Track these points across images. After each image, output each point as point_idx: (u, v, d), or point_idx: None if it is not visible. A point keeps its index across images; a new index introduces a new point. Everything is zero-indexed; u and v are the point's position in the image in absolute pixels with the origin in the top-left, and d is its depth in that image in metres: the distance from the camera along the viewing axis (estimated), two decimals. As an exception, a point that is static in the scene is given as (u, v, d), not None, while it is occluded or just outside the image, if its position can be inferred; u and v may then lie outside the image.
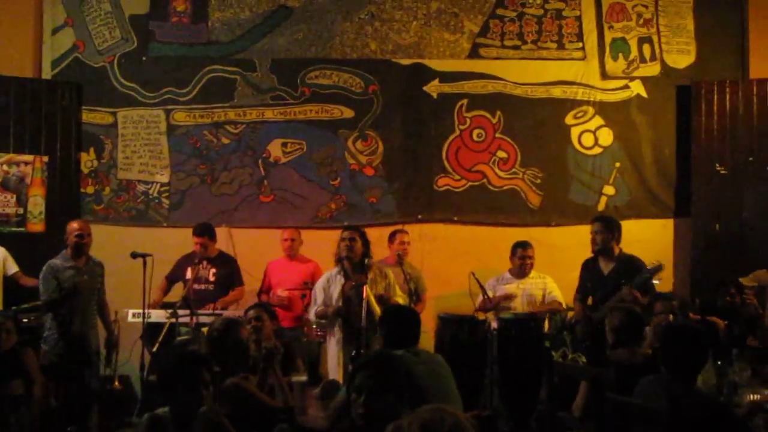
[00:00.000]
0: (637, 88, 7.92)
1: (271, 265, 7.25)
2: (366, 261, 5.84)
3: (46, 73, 7.99)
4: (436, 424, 1.73)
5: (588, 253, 7.25)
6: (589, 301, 6.43)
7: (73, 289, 6.07)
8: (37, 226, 7.62)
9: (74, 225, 6.40)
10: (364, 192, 7.93)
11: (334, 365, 5.86)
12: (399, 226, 7.37)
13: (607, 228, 6.30)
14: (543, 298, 6.84)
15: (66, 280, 6.12)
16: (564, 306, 6.90)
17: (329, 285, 5.96)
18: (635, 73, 7.94)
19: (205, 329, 5.13)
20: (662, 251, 7.19)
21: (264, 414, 3.99)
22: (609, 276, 6.23)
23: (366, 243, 5.97)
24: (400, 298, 5.81)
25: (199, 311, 6.38)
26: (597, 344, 5.54)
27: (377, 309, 5.49)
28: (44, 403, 5.45)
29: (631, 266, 6.16)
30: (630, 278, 5.96)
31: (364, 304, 5.48)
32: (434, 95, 7.93)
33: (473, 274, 6.57)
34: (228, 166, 7.95)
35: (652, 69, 7.94)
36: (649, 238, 7.51)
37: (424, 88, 7.92)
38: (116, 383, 6.70)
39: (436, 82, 7.91)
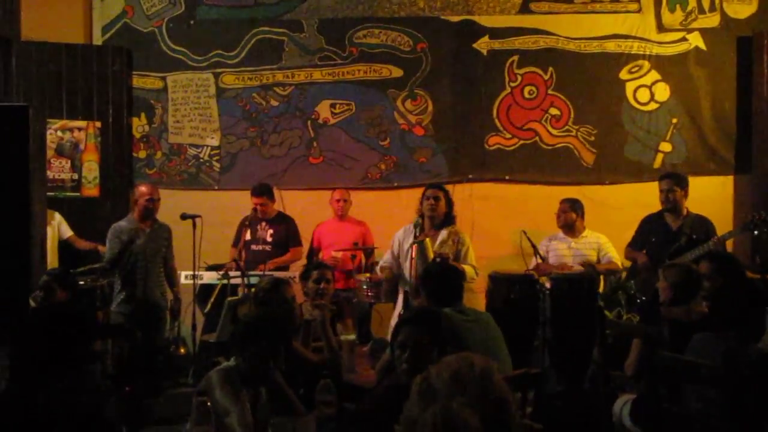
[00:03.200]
0: (696, 41, 7.64)
1: (320, 226, 7.24)
2: (451, 227, 5.76)
3: (97, 39, 8.06)
4: (466, 371, 1.68)
5: (643, 212, 7.11)
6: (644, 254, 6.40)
7: (129, 240, 6.11)
8: (91, 191, 7.74)
9: (143, 189, 6.42)
10: (414, 152, 7.85)
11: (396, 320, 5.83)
12: (448, 187, 7.28)
13: (679, 185, 6.32)
14: (598, 259, 6.70)
15: (126, 236, 6.19)
16: (621, 266, 6.75)
17: (404, 236, 5.87)
18: (693, 25, 7.65)
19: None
20: (722, 209, 7.00)
21: (309, 371, 4.00)
22: (678, 232, 6.21)
23: (450, 203, 5.89)
24: (469, 268, 5.69)
25: (251, 272, 6.42)
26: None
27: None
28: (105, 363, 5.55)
29: (703, 224, 6.23)
30: (704, 236, 6.04)
31: (416, 261, 5.44)
32: (484, 52, 7.77)
33: (525, 233, 6.47)
34: (277, 128, 7.94)
35: (712, 20, 7.64)
36: (707, 196, 7.25)
37: (474, 45, 7.76)
38: (181, 349, 6.84)
39: (486, 38, 7.75)
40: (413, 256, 5.50)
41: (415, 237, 5.62)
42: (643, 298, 5.89)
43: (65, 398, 2.60)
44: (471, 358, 1.74)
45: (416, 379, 1.73)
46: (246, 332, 3.50)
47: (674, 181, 6.35)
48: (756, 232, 6.08)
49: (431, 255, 5.47)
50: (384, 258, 6.06)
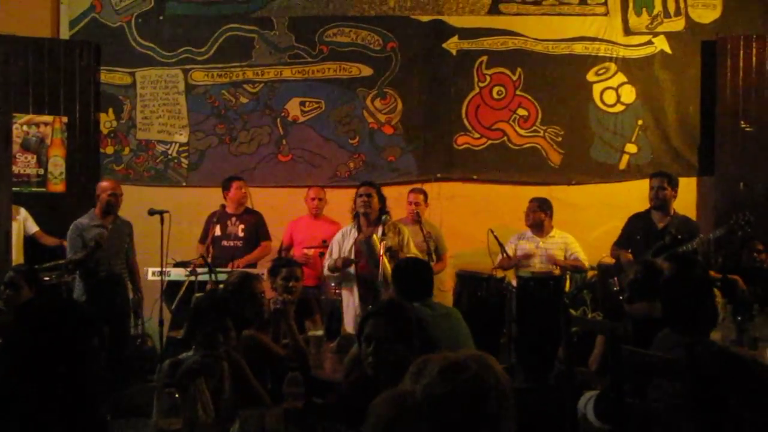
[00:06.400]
0: (661, 44, 7.75)
1: (294, 223, 7.24)
2: (384, 217, 5.86)
3: (64, 34, 7.98)
4: (457, 373, 1.71)
5: (609, 212, 7.21)
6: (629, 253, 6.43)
7: (96, 245, 6.05)
8: (57, 186, 7.67)
9: (106, 184, 6.38)
10: (382, 151, 7.88)
11: (350, 320, 5.87)
12: (417, 185, 7.32)
13: (670, 184, 6.39)
14: (564, 258, 6.78)
15: (92, 239, 6.12)
16: (587, 266, 6.83)
17: (343, 239, 6.02)
18: (659, 29, 7.77)
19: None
20: (685, 210, 7.07)
21: (277, 365, 4.00)
22: (663, 231, 6.25)
23: (382, 199, 6.02)
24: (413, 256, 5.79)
25: (220, 269, 6.40)
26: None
27: (386, 261, 5.51)
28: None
29: (689, 225, 6.32)
30: (688, 235, 6.09)
31: (374, 254, 5.58)
32: (453, 52, 7.82)
33: (492, 232, 6.54)
34: (246, 125, 7.93)
35: (677, 24, 7.76)
36: (671, 197, 7.38)
37: (444, 45, 7.81)
38: (149, 341, 6.81)
39: (455, 38, 7.80)
40: (376, 247, 5.63)
41: (359, 233, 5.87)
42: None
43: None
44: (470, 360, 1.75)
45: (412, 367, 1.75)
46: (191, 317, 3.67)
47: (666, 179, 6.40)
48: (740, 233, 6.17)
49: (380, 249, 5.57)
50: (327, 263, 6.10)
